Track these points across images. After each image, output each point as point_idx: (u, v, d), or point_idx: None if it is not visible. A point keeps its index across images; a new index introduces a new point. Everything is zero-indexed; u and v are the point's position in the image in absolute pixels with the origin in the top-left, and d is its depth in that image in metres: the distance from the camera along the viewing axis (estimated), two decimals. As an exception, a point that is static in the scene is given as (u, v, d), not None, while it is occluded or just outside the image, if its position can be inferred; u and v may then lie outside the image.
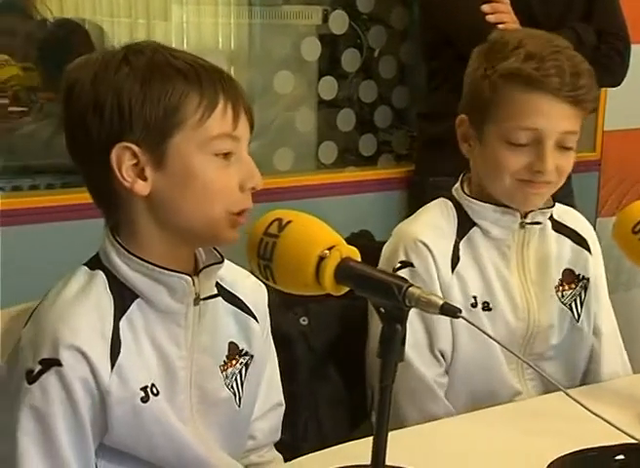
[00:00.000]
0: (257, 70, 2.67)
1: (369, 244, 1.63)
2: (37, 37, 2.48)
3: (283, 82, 2.59)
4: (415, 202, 2.51)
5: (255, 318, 1.30)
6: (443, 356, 1.53)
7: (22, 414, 1.10)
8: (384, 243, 1.89)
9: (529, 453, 1.26)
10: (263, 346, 1.32)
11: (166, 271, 1.15)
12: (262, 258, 1.06)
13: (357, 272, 1.03)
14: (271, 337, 1.36)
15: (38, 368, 1.09)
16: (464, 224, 1.54)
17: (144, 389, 1.14)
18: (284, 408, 1.40)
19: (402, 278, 1.02)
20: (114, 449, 1.16)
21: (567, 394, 1.09)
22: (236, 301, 1.28)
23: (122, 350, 1.13)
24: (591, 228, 1.67)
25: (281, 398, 1.39)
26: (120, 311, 1.14)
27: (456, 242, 1.53)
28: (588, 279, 1.62)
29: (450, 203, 1.56)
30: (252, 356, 1.28)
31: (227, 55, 2.66)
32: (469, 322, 1.05)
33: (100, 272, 1.16)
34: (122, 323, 1.14)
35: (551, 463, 1.20)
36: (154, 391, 1.15)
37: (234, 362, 1.26)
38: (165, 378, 1.17)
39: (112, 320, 1.13)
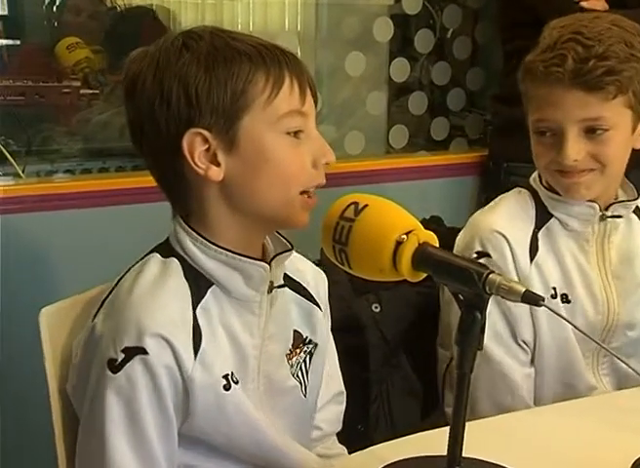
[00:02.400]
0: (325, 51, 2.65)
1: (438, 229, 1.61)
2: (107, 21, 2.50)
3: (354, 63, 2.56)
4: (488, 188, 2.47)
5: (318, 305, 1.29)
6: (527, 345, 1.50)
7: (108, 403, 1.09)
8: (454, 229, 1.86)
9: (612, 449, 1.22)
10: (327, 332, 1.31)
11: (244, 258, 1.14)
12: (338, 243, 1.04)
13: (436, 258, 1.01)
14: (330, 326, 1.34)
15: (122, 356, 1.08)
16: (543, 215, 1.52)
17: (226, 377, 1.14)
18: (345, 396, 1.38)
19: (482, 264, 1.00)
20: (191, 437, 1.15)
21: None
22: (300, 289, 1.27)
23: (203, 338, 1.12)
24: None
25: (342, 387, 1.38)
26: (196, 299, 1.13)
27: (534, 232, 1.51)
28: None
29: (528, 192, 1.54)
30: (316, 344, 1.27)
31: (295, 36, 2.63)
32: (552, 310, 1.02)
33: (175, 259, 1.15)
34: (198, 311, 1.13)
35: (638, 460, 1.16)
36: (234, 379, 1.15)
37: (298, 350, 1.25)
38: (239, 367, 1.16)
39: (191, 308, 1.13)
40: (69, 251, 1.99)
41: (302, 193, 1.15)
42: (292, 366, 1.24)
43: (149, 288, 1.12)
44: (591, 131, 1.43)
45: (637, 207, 1.56)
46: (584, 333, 1.22)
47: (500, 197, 1.58)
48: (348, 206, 1.05)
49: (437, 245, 1.03)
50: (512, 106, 2.32)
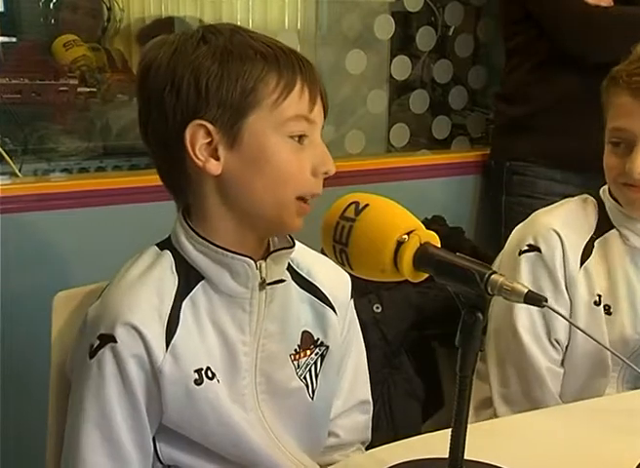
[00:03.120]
0: (326, 49, 2.64)
1: (440, 229, 1.60)
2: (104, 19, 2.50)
3: (354, 61, 2.54)
4: (490, 187, 2.46)
5: (332, 308, 1.28)
6: (559, 345, 1.52)
7: (82, 387, 1.12)
8: (457, 228, 1.85)
9: (617, 451, 1.21)
10: (346, 338, 1.30)
11: (229, 253, 1.14)
12: (338, 243, 1.03)
13: (437, 258, 0.99)
14: (359, 330, 1.33)
15: (97, 342, 1.10)
16: (604, 225, 1.54)
17: (199, 371, 1.13)
18: (371, 406, 1.37)
19: (485, 265, 0.98)
20: (174, 432, 1.15)
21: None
22: (313, 289, 1.26)
23: (179, 330, 1.12)
24: None
25: (368, 396, 1.37)
26: (184, 292, 1.14)
27: (592, 238, 1.53)
28: None
29: (594, 201, 1.56)
30: (327, 347, 1.26)
31: (295, 33, 2.62)
32: (556, 311, 1.02)
33: (168, 252, 1.17)
34: (185, 303, 1.14)
35: (643, 463, 1.14)
36: (209, 375, 1.14)
37: (308, 352, 1.24)
38: (226, 362, 1.16)
39: (172, 300, 1.13)
40: (66, 250, 1.99)
41: (299, 199, 1.14)
42: (298, 367, 1.23)
43: (134, 278, 1.14)
44: None
45: None
46: (601, 343, 1.21)
47: (564, 200, 1.60)
48: (349, 205, 1.04)
49: (439, 245, 1.01)
50: (514, 105, 2.33)
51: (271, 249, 1.20)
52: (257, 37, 1.14)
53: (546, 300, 0.95)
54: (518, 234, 1.57)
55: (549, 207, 1.59)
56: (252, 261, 1.15)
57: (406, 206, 1.05)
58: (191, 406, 1.13)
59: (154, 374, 1.11)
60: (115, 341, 1.09)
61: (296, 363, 1.22)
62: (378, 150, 2.68)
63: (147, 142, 1.17)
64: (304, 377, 1.23)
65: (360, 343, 1.34)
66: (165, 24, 2.53)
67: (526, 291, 0.94)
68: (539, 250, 1.50)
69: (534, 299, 0.94)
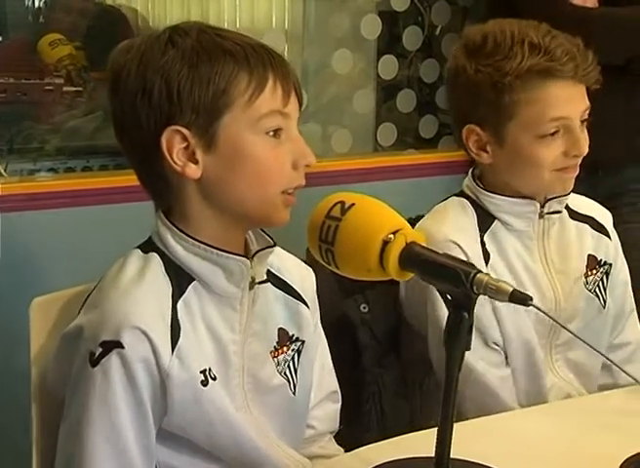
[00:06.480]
0: (313, 49, 2.64)
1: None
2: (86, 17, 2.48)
3: (341, 61, 2.54)
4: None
5: (305, 303, 1.28)
6: (498, 346, 1.50)
7: (85, 397, 1.08)
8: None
9: (600, 450, 1.22)
10: (315, 332, 1.31)
11: (224, 253, 1.14)
12: (324, 242, 1.03)
13: (423, 257, 1.00)
14: (320, 323, 1.34)
15: (99, 350, 1.08)
16: (485, 220, 1.52)
17: (204, 372, 1.13)
18: (340, 396, 1.38)
19: (470, 264, 0.99)
20: (173, 435, 1.14)
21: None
22: (285, 287, 1.26)
23: (182, 333, 1.11)
24: (608, 214, 1.65)
25: (336, 386, 1.37)
26: (177, 294, 1.13)
27: (481, 237, 1.51)
28: (610, 264, 1.61)
29: (465, 200, 1.54)
30: (303, 341, 1.27)
31: (282, 33, 2.61)
32: (540, 310, 1.02)
33: (155, 255, 1.15)
34: (179, 305, 1.13)
35: (627, 460, 1.15)
36: (212, 375, 1.14)
37: (285, 348, 1.24)
38: (220, 363, 1.16)
39: (170, 302, 1.12)
40: (52, 250, 1.98)
41: (283, 192, 1.14)
42: (278, 363, 1.23)
43: (129, 282, 1.12)
44: (582, 121, 1.47)
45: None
46: (569, 330, 1.20)
47: (438, 207, 1.57)
48: (335, 205, 1.04)
49: (424, 244, 1.02)
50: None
51: (250, 247, 1.20)
52: (224, 35, 1.13)
53: (532, 299, 0.95)
54: None
55: (431, 215, 1.55)
56: (247, 260, 1.15)
57: (392, 205, 1.05)
58: (198, 407, 1.13)
59: (161, 378, 1.10)
60: (122, 347, 1.07)
61: (275, 360, 1.22)
62: (365, 150, 2.68)
63: (124, 147, 1.16)
64: (285, 374, 1.23)
65: (322, 335, 1.34)
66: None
67: (511, 289, 0.94)
68: None
69: (519, 298, 0.95)
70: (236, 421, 1.16)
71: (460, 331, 0.96)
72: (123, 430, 1.09)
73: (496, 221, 1.52)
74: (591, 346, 1.23)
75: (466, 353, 1.41)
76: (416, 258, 0.99)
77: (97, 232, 2.00)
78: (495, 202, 1.51)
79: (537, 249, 1.53)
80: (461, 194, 1.56)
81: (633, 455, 1.16)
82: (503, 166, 1.50)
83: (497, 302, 1.44)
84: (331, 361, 1.36)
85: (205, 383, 1.13)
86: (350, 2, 2.61)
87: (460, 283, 0.95)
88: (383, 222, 1.01)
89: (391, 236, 0.99)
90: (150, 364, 1.09)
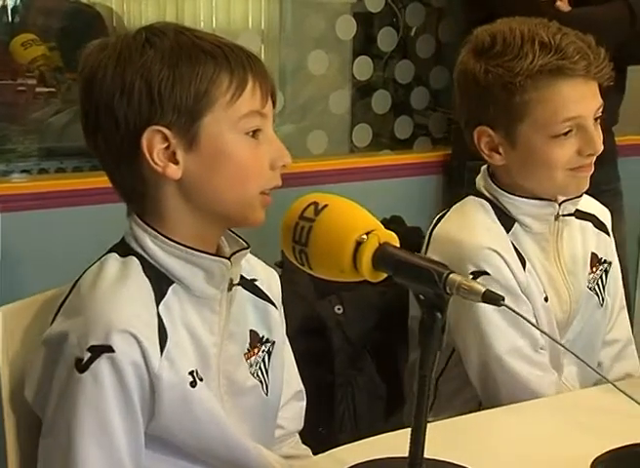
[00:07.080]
0: (289, 50, 2.64)
1: (398, 229, 1.60)
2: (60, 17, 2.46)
3: (317, 62, 2.54)
4: (452, 187, 2.47)
5: (273, 304, 1.29)
6: (543, 349, 1.50)
7: (75, 404, 1.07)
8: (415, 228, 1.84)
9: (573, 448, 1.22)
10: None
11: (205, 255, 1.14)
12: (298, 243, 1.03)
13: (396, 258, 1.00)
14: (285, 325, 1.33)
15: (88, 355, 1.06)
16: (506, 221, 1.50)
17: (192, 373, 1.13)
18: (304, 394, 1.38)
19: (443, 264, 0.98)
20: (158, 438, 1.14)
21: (618, 389, 1.05)
22: (254, 288, 1.27)
23: (168, 335, 1.11)
24: (607, 212, 1.65)
25: (301, 386, 1.38)
26: (159, 297, 1.13)
27: (510, 240, 1.49)
28: (610, 262, 1.61)
29: (483, 201, 1.52)
30: (273, 342, 1.27)
31: (258, 34, 2.61)
32: (513, 310, 1.01)
33: (134, 258, 1.14)
34: (161, 308, 1.12)
35: (597, 458, 1.16)
36: (199, 376, 1.14)
37: (256, 350, 1.24)
38: (202, 365, 1.16)
39: (154, 305, 1.12)
40: (25, 253, 1.97)
41: (261, 193, 1.15)
42: (251, 365, 1.23)
43: (111, 286, 1.11)
44: (595, 118, 1.45)
45: None
46: (550, 336, 1.21)
47: (457, 209, 1.54)
48: (308, 206, 1.03)
49: (398, 245, 1.02)
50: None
51: (222, 250, 1.20)
52: (201, 36, 1.13)
53: (503, 299, 0.95)
54: (449, 260, 1.48)
55: (454, 219, 1.52)
56: (228, 262, 1.15)
57: (367, 206, 1.05)
58: (187, 409, 1.12)
59: (150, 381, 1.09)
60: (112, 351, 1.05)
61: (248, 362, 1.22)
62: (340, 150, 2.68)
63: (96, 149, 1.14)
64: (257, 375, 1.23)
65: (285, 336, 1.34)
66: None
67: (484, 290, 0.94)
68: (486, 273, 1.43)
69: (492, 298, 0.95)
70: (225, 422, 1.16)
71: (433, 331, 0.96)
72: (115, 435, 1.08)
73: (516, 224, 1.50)
74: (582, 360, 1.25)
75: (516, 359, 1.44)
76: (389, 259, 0.99)
77: (72, 234, 1.99)
78: (515, 204, 1.49)
79: (552, 251, 1.52)
80: (478, 194, 1.53)
81: (603, 453, 1.16)
82: (516, 167, 1.48)
83: (535, 307, 1.47)
84: (294, 360, 1.36)
85: (194, 384, 1.12)
86: (326, 3, 2.61)
87: (432, 283, 0.95)
88: (357, 223, 1.01)
89: (364, 237, 1.00)
90: (140, 367, 1.08)
